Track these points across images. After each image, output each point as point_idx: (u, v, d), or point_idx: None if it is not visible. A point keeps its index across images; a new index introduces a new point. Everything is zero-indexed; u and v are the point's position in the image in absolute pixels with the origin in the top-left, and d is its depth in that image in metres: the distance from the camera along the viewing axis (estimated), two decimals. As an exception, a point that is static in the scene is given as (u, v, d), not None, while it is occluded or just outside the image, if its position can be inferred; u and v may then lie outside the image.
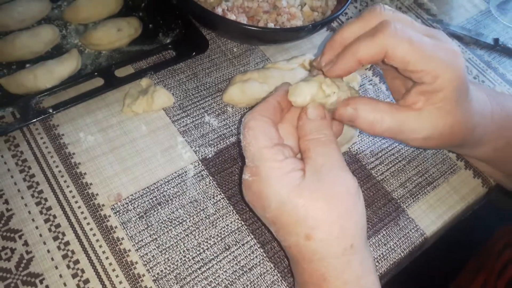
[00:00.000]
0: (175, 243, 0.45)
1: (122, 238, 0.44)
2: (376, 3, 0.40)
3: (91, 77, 0.54)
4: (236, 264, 0.45)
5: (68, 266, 0.42)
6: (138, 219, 0.46)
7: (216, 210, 0.48)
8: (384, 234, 0.49)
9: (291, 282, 0.44)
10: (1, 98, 0.51)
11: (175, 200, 0.48)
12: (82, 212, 0.46)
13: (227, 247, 0.46)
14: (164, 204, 0.47)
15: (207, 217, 0.47)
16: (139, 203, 0.47)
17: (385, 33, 0.36)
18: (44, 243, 0.43)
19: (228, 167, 0.51)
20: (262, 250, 0.46)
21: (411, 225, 0.50)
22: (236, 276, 0.44)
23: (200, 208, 0.47)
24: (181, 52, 0.58)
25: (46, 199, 0.46)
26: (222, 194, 0.49)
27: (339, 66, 0.39)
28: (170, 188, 0.48)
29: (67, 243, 0.44)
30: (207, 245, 0.45)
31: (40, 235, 0.44)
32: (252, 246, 0.46)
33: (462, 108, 0.40)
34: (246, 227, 0.47)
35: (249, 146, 0.38)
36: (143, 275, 0.43)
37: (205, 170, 0.50)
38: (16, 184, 0.46)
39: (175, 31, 0.60)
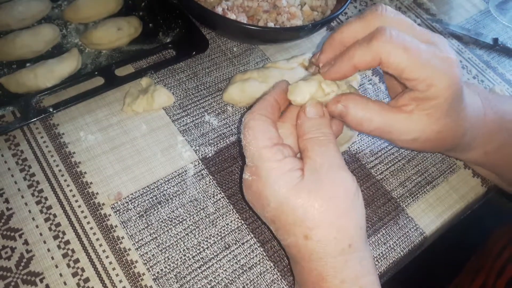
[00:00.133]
0: (175, 242, 0.45)
1: (122, 237, 0.45)
2: (376, 3, 0.40)
3: (91, 76, 0.54)
4: (236, 263, 0.45)
5: (68, 265, 0.42)
6: (138, 218, 0.46)
7: (216, 209, 0.48)
8: (383, 233, 0.49)
9: (291, 281, 0.44)
10: (2, 97, 0.51)
11: (175, 199, 0.48)
12: (82, 211, 0.46)
13: (227, 246, 0.46)
14: (164, 203, 0.47)
15: (207, 216, 0.47)
16: (139, 202, 0.47)
17: (380, 40, 0.35)
18: (44, 242, 0.43)
19: (228, 166, 0.51)
20: (261, 249, 0.46)
21: (410, 224, 0.50)
22: (236, 275, 0.44)
23: (200, 207, 0.48)
24: (181, 52, 0.58)
25: (46, 198, 0.46)
26: (222, 193, 0.49)
27: (335, 70, 0.39)
28: (170, 187, 0.48)
29: (67, 242, 0.44)
30: (207, 244, 0.45)
31: (40, 234, 0.44)
32: (252, 245, 0.46)
33: (453, 116, 0.39)
34: (246, 226, 0.47)
35: (249, 146, 0.38)
36: (143, 274, 0.43)
37: (205, 169, 0.50)
38: (16, 183, 0.46)
39: (175, 31, 0.60)
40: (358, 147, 0.55)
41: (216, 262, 0.44)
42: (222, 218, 0.47)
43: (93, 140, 0.50)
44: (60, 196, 0.46)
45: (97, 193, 0.47)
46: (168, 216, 0.46)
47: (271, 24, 0.58)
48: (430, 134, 0.39)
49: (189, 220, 0.47)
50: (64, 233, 0.44)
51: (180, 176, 0.49)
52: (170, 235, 0.45)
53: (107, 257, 0.43)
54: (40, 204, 0.45)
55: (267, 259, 0.45)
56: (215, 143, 0.52)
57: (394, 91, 0.45)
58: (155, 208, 0.47)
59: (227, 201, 0.48)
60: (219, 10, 0.57)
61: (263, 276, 0.44)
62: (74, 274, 0.42)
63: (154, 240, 0.45)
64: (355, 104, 0.39)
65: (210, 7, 0.58)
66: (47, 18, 0.59)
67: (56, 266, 0.42)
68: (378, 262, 0.47)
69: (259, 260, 0.45)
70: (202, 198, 0.48)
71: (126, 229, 0.45)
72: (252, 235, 0.47)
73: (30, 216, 0.45)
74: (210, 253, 0.45)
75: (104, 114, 0.53)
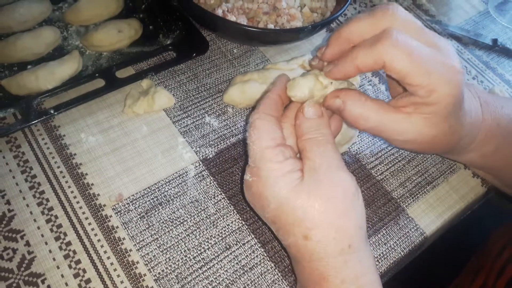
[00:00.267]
0: (176, 243, 0.45)
1: (124, 238, 0.45)
2: (375, 4, 0.40)
3: (92, 78, 0.54)
4: (237, 263, 0.45)
5: (70, 266, 0.43)
6: (139, 219, 0.46)
7: (216, 210, 0.48)
8: (384, 233, 0.49)
9: (292, 281, 0.44)
10: (3, 99, 0.51)
11: (176, 200, 0.48)
12: (83, 213, 0.46)
13: (227, 246, 0.46)
14: (165, 204, 0.47)
15: (208, 217, 0.47)
16: (140, 203, 0.47)
17: (384, 44, 0.35)
18: (46, 243, 0.44)
19: (228, 167, 0.51)
20: (262, 250, 0.46)
21: (411, 224, 0.50)
22: (237, 276, 0.44)
23: (201, 208, 0.48)
24: (181, 53, 0.58)
25: (47, 200, 0.46)
26: (223, 194, 0.49)
27: (338, 70, 0.38)
28: (171, 188, 0.48)
29: (68, 243, 0.44)
30: (208, 245, 0.46)
31: (42, 236, 0.44)
32: (252, 245, 0.46)
33: (451, 122, 0.39)
34: (246, 227, 0.47)
35: (253, 145, 0.38)
36: (144, 275, 0.43)
37: (206, 170, 0.50)
38: (18, 184, 0.47)
39: (175, 33, 0.60)
40: (359, 148, 0.55)
41: (217, 263, 0.45)
42: (223, 219, 0.47)
43: (94, 142, 0.51)
44: (61, 198, 0.46)
45: (98, 195, 0.47)
46: (169, 217, 0.47)
47: (271, 26, 0.58)
48: (426, 138, 0.39)
49: (190, 221, 0.47)
50: (65, 234, 0.44)
51: (181, 177, 0.50)
52: (171, 236, 0.45)
53: (108, 258, 0.43)
54: (42, 206, 0.46)
55: (268, 259, 0.46)
56: (216, 144, 0.53)
57: (395, 91, 0.45)
58: (156, 209, 0.47)
59: (228, 202, 0.49)
60: (219, 12, 0.57)
61: (264, 277, 0.45)
62: (76, 275, 0.42)
63: (155, 241, 0.45)
64: (353, 101, 0.39)
65: (210, 9, 0.58)
66: (48, 20, 0.59)
67: (58, 267, 0.42)
68: (379, 262, 0.47)
69: (260, 261, 0.45)
70: (203, 199, 0.48)
71: (127, 230, 0.45)
72: (253, 236, 0.47)
73: (31, 217, 0.45)
74: (211, 253, 0.45)
75: (105, 115, 0.53)
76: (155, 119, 0.54)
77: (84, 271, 0.43)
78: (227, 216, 0.48)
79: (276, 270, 0.45)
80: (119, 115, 0.53)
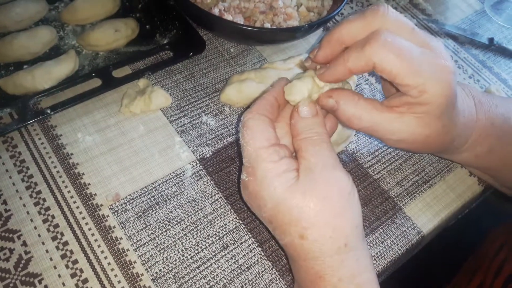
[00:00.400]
0: (173, 242, 0.45)
1: (121, 238, 0.45)
2: (372, 3, 0.40)
3: (88, 77, 0.54)
4: (234, 263, 0.45)
5: (67, 266, 0.42)
6: (136, 219, 0.46)
7: (214, 210, 0.48)
8: (381, 232, 0.49)
9: (289, 280, 0.45)
10: (-1, 99, 0.51)
11: (173, 200, 0.48)
12: (80, 212, 0.46)
13: (225, 246, 0.46)
14: (162, 204, 0.47)
15: (205, 216, 0.47)
16: (137, 203, 0.47)
17: (373, 46, 0.35)
18: (43, 243, 0.43)
19: (225, 166, 0.51)
20: (260, 249, 0.46)
21: (408, 223, 0.50)
22: (234, 275, 0.44)
23: (198, 208, 0.48)
24: (178, 53, 0.58)
25: (44, 200, 0.46)
26: (220, 194, 0.49)
27: (330, 73, 0.39)
28: (168, 188, 0.48)
29: (65, 243, 0.44)
30: (205, 244, 0.46)
31: (39, 235, 0.44)
32: (250, 245, 0.46)
33: (444, 121, 0.39)
34: (244, 226, 0.47)
35: (246, 146, 0.38)
36: (142, 275, 0.43)
37: (203, 170, 0.50)
38: (15, 184, 0.46)
39: (172, 32, 0.60)
40: (355, 147, 0.55)
41: (214, 262, 0.45)
42: (220, 218, 0.47)
43: (91, 142, 0.51)
44: (58, 197, 0.46)
45: (95, 194, 0.47)
46: (166, 216, 0.47)
47: (267, 25, 0.58)
48: (418, 137, 0.40)
49: (187, 221, 0.47)
50: (62, 234, 0.44)
51: (178, 176, 0.49)
52: (169, 236, 0.45)
53: (105, 257, 0.43)
54: (38, 206, 0.45)
55: (265, 258, 0.46)
56: (213, 144, 0.53)
57: (388, 91, 0.45)
58: (153, 209, 0.47)
59: (225, 201, 0.49)
60: (215, 11, 0.57)
61: (262, 276, 0.45)
62: (73, 275, 0.42)
63: (153, 241, 0.45)
64: (346, 101, 0.39)
65: (207, 8, 0.58)
66: (44, 20, 0.59)
67: (55, 267, 0.42)
68: (376, 261, 0.47)
69: (257, 260, 0.45)
70: (200, 199, 0.48)
71: (124, 230, 0.45)
72: (250, 235, 0.47)
73: (28, 217, 0.45)
74: (208, 253, 0.45)
75: (102, 115, 0.53)
76: (152, 119, 0.53)
77: (81, 271, 0.42)
78: (224, 216, 0.48)
79: (274, 269, 0.45)
80: (115, 114, 0.53)
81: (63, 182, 0.47)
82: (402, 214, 0.51)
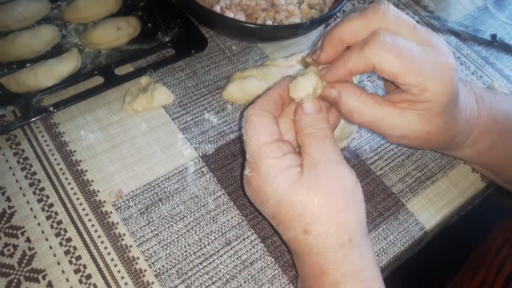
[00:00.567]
0: (176, 238, 0.45)
1: (124, 234, 0.45)
2: (373, 0, 0.39)
3: (91, 75, 0.54)
4: (237, 258, 0.45)
5: (70, 262, 0.43)
6: (139, 215, 0.46)
7: (216, 206, 0.48)
8: (384, 228, 0.49)
9: (292, 275, 0.45)
10: (2, 97, 0.51)
11: (176, 196, 0.48)
12: (83, 209, 0.46)
13: (227, 242, 0.46)
14: (165, 200, 0.47)
15: (208, 212, 0.47)
16: (140, 200, 0.47)
17: (373, 47, 0.35)
18: (46, 239, 0.44)
19: (228, 163, 0.51)
20: (262, 245, 0.46)
21: (410, 219, 0.50)
22: (237, 271, 0.44)
23: (200, 204, 0.48)
24: (180, 51, 0.58)
25: (47, 196, 0.46)
26: (223, 190, 0.49)
27: (332, 74, 0.39)
28: (170, 185, 0.49)
29: (69, 239, 0.44)
30: (208, 240, 0.46)
31: (42, 232, 0.44)
32: (252, 241, 0.46)
33: (445, 118, 0.39)
34: (246, 222, 0.47)
35: (249, 141, 0.38)
36: (145, 270, 0.43)
37: (206, 167, 0.51)
38: (18, 181, 0.47)
39: (174, 30, 0.60)
40: (358, 143, 0.55)
41: (217, 258, 0.45)
42: (223, 214, 0.47)
43: (94, 139, 0.51)
44: (61, 194, 0.46)
45: (98, 191, 0.47)
46: (169, 213, 0.47)
47: (269, 22, 0.58)
48: (420, 134, 0.39)
49: (190, 217, 0.47)
50: (65, 230, 0.44)
51: (180, 173, 0.50)
52: (171, 232, 0.46)
53: (108, 253, 0.44)
54: (42, 202, 0.46)
55: (268, 254, 0.46)
56: (215, 141, 0.53)
57: (390, 87, 0.45)
58: (156, 205, 0.47)
59: (228, 197, 0.49)
60: (217, 8, 0.57)
61: (264, 272, 0.45)
62: (76, 271, 0.42)
63: (156, 237, 0.45)
64: (349, 93, 0.39)
65: (209, 6, 0.58)
66: (46, 18, 0.60)
67: (59, 263, 0.42)
68: (379, 257, 0.47)
69: (260, 256, 0.45)
70: (203, 195, 0.48)
71: (127, 226, 0.45)
72: (252, 231, 0.47)
73: (31, 214, 0.45)
74: (211, 249, 0.45)
75: (104, 113, 0.53)
76: (154, 116, 0.54)
77: (85, 267, 0.43)
78: (227, 212, 0.48)
79: (276, 265, 0.45)
80: (118, 112, 0.53)
81: (66, 179, 0.48)
82: (405, 210, 0.51)
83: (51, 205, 0.46)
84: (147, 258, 0.44)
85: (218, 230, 0.46)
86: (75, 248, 0.43)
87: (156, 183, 0.48)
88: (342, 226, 0.37)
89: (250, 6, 0.59)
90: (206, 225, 0.46)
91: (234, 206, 0.48)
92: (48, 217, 0.45)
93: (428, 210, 0.51)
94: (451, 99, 0.38)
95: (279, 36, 0.60)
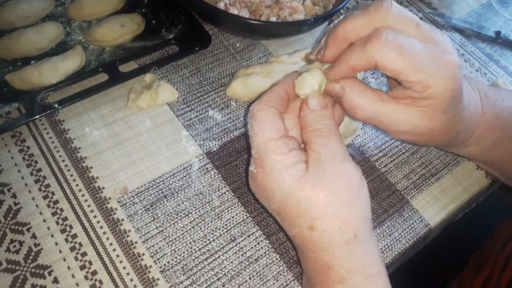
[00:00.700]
0: (181, 235, 0.45)
1: (129, 230, 0.45)
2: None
3: (95, 72, 0.54)
4: (242, 255, 0.45)
5: (76, 258, 0.43)
6: (145, 212, 0.46)
7: (221, 203, 0.48)
8: (388, 225, 0.49)
9: (297, 272, 0.45)
10: (7, 94, 0.51)
11: (181, 193, 0.48)
12: (89, 205, 0.46)
13: (232, 238, 0.46)
14: (170, 197, 0.47)
15: (213, 209, 0.47)
16: (145, 196, 0.47)
17: (374, 44, 0.35)
18: (52, 235, 0.44)
19: (232, 160, 0.51)
20: (267, 242, 0.46)
21: (415, 216, 0.50)
22: (242, 267, 0.44)
23: (205, 201, 0.48)
24: (184, 48, 0.58)
25: (53, 193, 0.46)
26: (227, 187, 0.49)
27: (335, 72, 0.39)
28: (175, 181, 0.49)
29: (74, 236, 0.44)
30: (213, 237, 0.46)
31: (48, 228, 0.44)
32: (257, 237, 0.46)
33: (449, 115, 0.39)
34: (251, 219, 0.47)
35: (255, 137, 0.38)
36: (150, 267, 0.43)
37: (210, 164, 0.51)
38: (23, 178, 0.47)
39: (178, 27, 0.60)
40: (362, 140, 0.55)
41: (222, 254, 0.45)
42: (228, 211, 0.47)
43: (98, 136, 0.51)
44: (66, 191, 0.47)
45: (103, 188, 0.47)
46: (174, 209, 0.47)
47: (273, 19, 0.58)
48: (423, 130, 0.39)
49: (195, 213, 0.47)
50: (71, 226, 0.44)
51: (185, 170, 0.50)
52: (177, 228, 0.46)
53: (114, 250, 0.44)
54: (47, 199, 0.46)
55: (273, 251, 0.46)
56: (219, 138, 0.53)
57: (393, 83, 0.45)
58: (161, 202, 0.47)
59: (232, 194, 0.49)
60: (221, 5, 0.57)
61: (269, 268, 0.45)
62: (82, 267, 0.42)
63: (161, 233, 0.45)
64: (352, 89, 0.39)
65: (212, 2, 0.58)
66: (50, 16, 0.60)
67: (64, 259, 0.43)
68: (384, 254, 0.47)
69: (265, 252, 0.46)
70: (208, 192, 0.48)
71: (132, 223, 0.45)
72: (257, 228, 0.47)
73: (37, 210, 0.45)
74: (216, 245, 0.45)
75: (109, 110, 0.53)
76: (158, 113, 0.54)
77: (90, 263, 0.43)
78: (231, 209, 0.48)
79: (281, 261, 0.45)
80: (122, 109, 0.53)
81: (71, 175, 0.48)
82: (409, 207, 0.51)
83: (56, 202, 0.46)
84: (153, 254, 0.44)
85: (223, 227, 0.46)
86: (80, 244, 0.44)
87: (161, 180, 0.48)
88: (348, 222, 0.37)
89: (254, 3, 0.59)
90: (211, 221, 0.47)
91: (239, 203, 0.48)
92: (53, 214, 0.45)
93: (433, 207, 0.51)
94: (455, 96, 0.38)
95: (283, 32, 0.59)
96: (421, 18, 0.38)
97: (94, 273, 0.42)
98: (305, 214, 0.36)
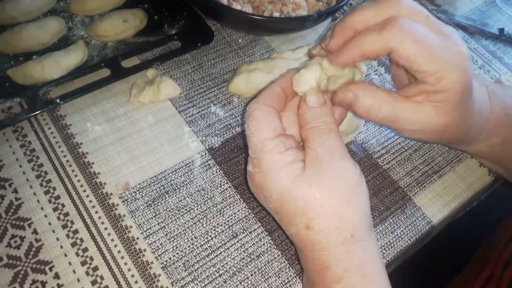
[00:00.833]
0: (183, 231, 0.45)
1: (131, 226, 0.45)
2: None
3: (97, 68, 0.54)
4: (243, 251, 0.45)
5: (77, 254, 0.43)
6: (146, 208, 0.46)
7: (223, 199, 0.48)
8: (390, 222, 0.49)
9: (299, 269, 0.44)
10: (9, 89, 0.51)
11: (183, 189, 0.48)
12: (90, 201, 0.46)
13: (234, 235, 0.46)
14: (172, 193, 0.47)
15: (215, 205, 0.47)
16: (147, 192, 0.47)
17: (391, 31, 0.35)
18: (53, 231, 0.44)
19: (234, 156, 0.51)
20: (269, 238, 0.46)
21: (417, 213, 0.50)
22: (243, 264, 0.44)
23: (207, 197, 0.48)
24: (186, 43, 0.58)
25: (54, 188, 0.46)
26: (229, 183, 0.49)
27: (343, 56, 0.38)
28: (177, 177, 0.48)
29: (75, 231, 0.44)
30: (214, 233, 0.46)
31: (49, 224, 0.44)
32: (259, 234, 0.46)
33: (461, 110, 0.39)
34: (253, 215, 0.47)
35: (252, 137, 0.38)
36: (152, 263, 0.43)
37: (212, 160, 0.50)
38: (25, 173, 0.47)
39: (180, 22, 0.60)
40: (365, 137, 0.55)
41: (224, 251, 0.45)
42: (230, 207, 0.47)
43: (100, 131, 0.51)
44: (68, 186, 0.46)
45: (104, 183, 0.47)
46: (175, 205, 0.47)
47: (276, 15, 0.57)
48: (437, 127, 0.39)
49: (197, 210, 0.47)
50: (72, 222, 0.44)
51: (187, 166, 0.49)
52: (178, 224, 0.45)
53: (115, 246, 0.44)
54: (49, 194, 0.46)
55: (275, 247, 0.46)
56: (222, 134, 0.53)
57: (400, 82, 0.45)
58: (163, 198, 0.47)
59: (234, 190, 0.48)
60: (224, 0, 0.56)
61: (271, 265, 0.45)
62: (83, 263, 0.42)
63: (162, 229, 0.45)
64: (365, 92, 0.38)
65: (215, -2, 0.58)
66: (52, 10, 0.59)
67: (65, 255, 0.42)
68: (386, 251, 0.47)
69: (266, 249, 0.45)
70: (209, 188, 0.48)
71: (134, 218, 0.45)
72: (259, 224, 0.47)
73: (38, 206, 0.45)
74: (218, 241, 0.45)
75: (111, 105, 0.53)
76: (160, 109, 0.53)
77: (92, 258, 0.43)
78: (233, 205, 0.48)
79: (283, 258, 0.45)
80: (124, 104, 0.53)
81: (73, 171, 0.47)
82: (412, 204, 0.50)
83: (57, 197, 0.46)
84: (154, 250, 0.44)
85: (225, 223, 0.46)
86: (81, 240, 0.43)
87: (163, 176, 0.48)
88: (345, 221, 0.36)
89: (257, -2, 0.58)
90: (213, 217, 0.46)
91: (241, 199, 0.48)
92: (55, 209, 0.45)
93: (435, 204, 0.51)
94: (466, 90, 0.38)
95: (286, 28, 0.59)
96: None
97: (95, 269, 0.42)
98: (302, 214, 0.36)
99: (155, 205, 0.46)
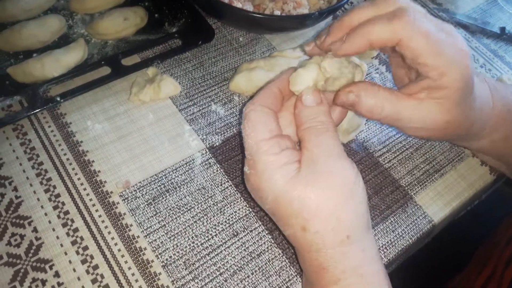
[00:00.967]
0: (183, 229, 0.45)
1: (131, 225, 0.45)
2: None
3: (98, 66, 0.54)
4: (244, 250, 0.45)
5: (77, 252, 0.43)
6: (147, 206, 0.46)
7: (223, 197, 0.48)
8: (392, 221, 0.49)
9: (299, 268, 0.44)
10: (9, 87, 0.51)
11: (183, 187, 0.48)
12: (90, 199, 0.46)
13: (235, 233, 0.46)
14: (172, 191, 0.47)
15: (215, 204, 0.47)
16: (147, 190, 0.47)
17: (402, 21, 0.35)
18: (53, 229, 0.43)
19: (235, 155, 0.51)
20: (270, 237, 0.46)
21: (419, 212, 0.50)
22: (244, 262, 0.44)
23: (208, 195, 0.47)
24: (187, 41, 0.58)
25: (54, 187, 0.46)
26: (230, 182, 0.49)
27: (348, 45, 0.37)
28: (178, 176, 0.48)
29: (76, 230, 0.44)
30: (215, 232, 0.45)
31: (49, 222, 0.44)
32: (260, 232, 0.46)
33: (463, 107, 0.39)
34: (253, 214, 0.47)
35: (247, 139, 0.37)
36: (152, 261, 0.43)
37: (213, 158, 0.50)
38: (25, 171, 0.47)
39: (181, 21, 0.60)
40: (366, 136, 0.55)
41: (224, 249, 0.44)
42: (230, 206, 0.47)
43: (101, 129, 0.50)
44: (68, 185, 0.46)
45: (105, 182, 0.47)
46: (176, 204, 0.46)
47: (277, 13, 0.57)
48: (439, 124, 0.39)
49: (197, 208, 0.47)
50: (72, 221, 0.44)
51: (187, 164, 0.49)
52: (179, 223, 0.45)
53: (115, 244, 0.43)
54: (49, 193, 0.46)
55: (275, 246, 0.45)
56: (222, 132, 0.52)
57: (401, 81, 0.45)
58: (163, 196, 0.47)
59: (235, 189, 0.48)
60: (225, -1, 0.56)
61: (272, 263, 0.44)
62: (83, 261, 0.42)
63: (163, 228, 0.45)
64: (366, 92, 0.38)
65: (216, -4, 0.58)
66: (53, 8, 0.59)
67: (65, 254, 0.42)
68: (387, 250, 0.47)
69: (267, 247, 0.45)
70: (210, 186, 0.48)
71: (134, 217, 0.45)
72: (260, 223, 0.47)
73: (38, 204, 0.45)
74: (218, 240, 0.45)
75: (111, 103, 0.53)
76: (161, 107, 0.53)
77: (92, 257, 0.42)
78: (234, 203, 0.47)
79: (284, 256, 0.45)
80: (125, 102, 0.53)
81: (73, 169, 0.47)
82: (413, 203, 0.50)
83: (58, 195, 0.45)
84: (154, 249, 0.44)
85: (225, 222, 0.46)
86: (82, 238, 0.43)
87: (163, 174, 0.48)
88: (341, 222, 0.36)
89: (258, -4, 0.58)
90: (214, 216, 0.46)
91: (241, 198, 0.48)
92: (55, 207, 0.45)
93: (437, 203, 0.51)
94: (467, 87, 0.38)
95: (287, 26, 0.59)
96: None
97: (96, 267, 0.42)
98: (297, 215, 0.36)
99: (156, 204, 0.46)
